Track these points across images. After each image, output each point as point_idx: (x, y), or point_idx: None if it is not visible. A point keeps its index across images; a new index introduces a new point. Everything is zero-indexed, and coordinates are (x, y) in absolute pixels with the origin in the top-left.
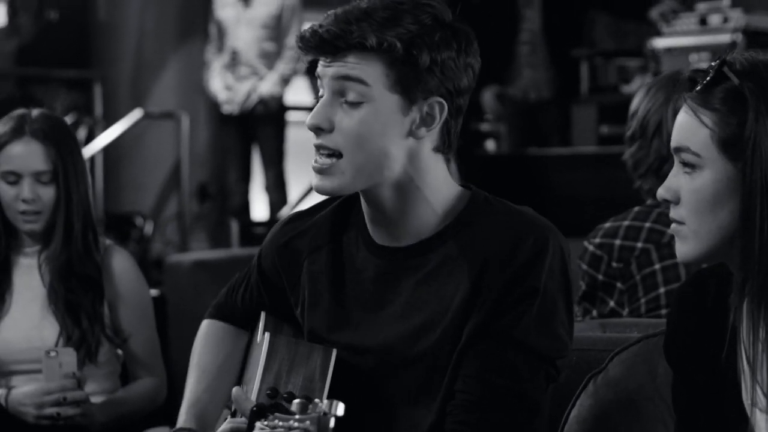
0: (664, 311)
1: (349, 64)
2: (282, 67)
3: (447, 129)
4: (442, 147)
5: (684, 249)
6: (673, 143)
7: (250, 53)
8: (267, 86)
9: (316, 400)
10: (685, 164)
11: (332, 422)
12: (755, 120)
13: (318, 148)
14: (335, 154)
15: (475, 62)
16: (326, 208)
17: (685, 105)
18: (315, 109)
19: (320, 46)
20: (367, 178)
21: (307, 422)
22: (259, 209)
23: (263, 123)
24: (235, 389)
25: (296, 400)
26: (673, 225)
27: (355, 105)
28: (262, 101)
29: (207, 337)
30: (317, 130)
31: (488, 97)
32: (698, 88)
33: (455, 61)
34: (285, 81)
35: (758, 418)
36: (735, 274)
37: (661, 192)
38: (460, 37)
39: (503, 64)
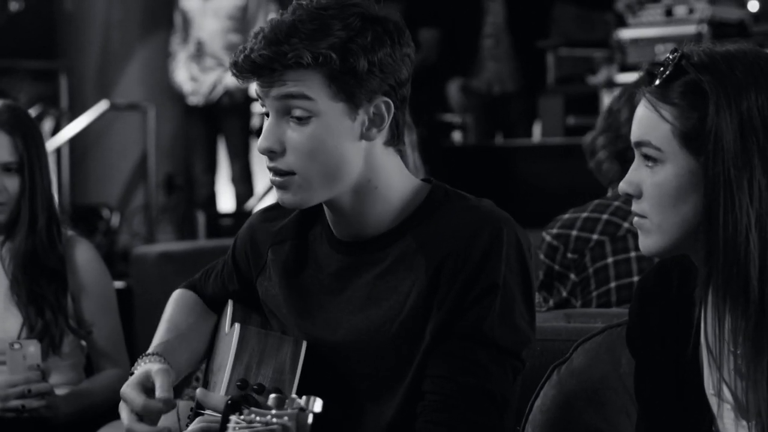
0: (614, 308)
1: (288, 83)
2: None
3: (395, 122)
4: (393, 140)
5: (647, 242)
6: (634, 137)
7: (215, 44)
8: (232, 78)
9: (293, 395)
10: (647, 158)
11: (310, 418)
12: (716, 113)
13: (272, 170)
14: (289, 173)
15: (410, 50)
16: None
17: (645, 99)
18: (264, 132)
19: (255, 71)
20: (326, 190)
21: (285, 418)
22: (226, 201)
23: (229, 115)
24: (198, 390)
25: (272, 395)
26: (636, 219)
27: (302, 120)
28: (228, 93)
29: (179, 300)
30: (270, 153)
31: (453, 89)
32: (657, 82)
33: (392, 56)
34: None
35: (724, 410)
36: (699, 268)
37: (623, 186)
38: (392, 30)
39: (467, 57)
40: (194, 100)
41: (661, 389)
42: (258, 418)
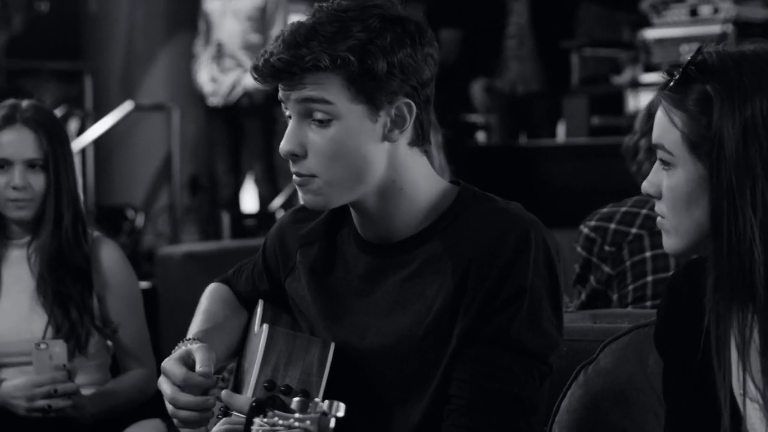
0: (649, 302)
1: (308, 86)
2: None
3: (419, 122)
4: (417, 140)
5: (668, 242)
6: (653, 139)
7: (234, 45)
8: (251, 79)
9: (316, 399)
10: (662, 161)
11: (332, 423)
12: (719, 120)
13: (294, 174)
14: (311, 176)
15: (433, 50)
16: None
17: (662, 102)
18: (286, 135)
19: (275, 75)
20: (350, 192)
21: (308, 422)
22: (249, 201)
23: (249, 116)
24: (223, 392)
25: (296, 399)
26: (658, 218)
27: (324, 123)
28: (247, 94)
29: (214, 293)
30: (292, 156)
31: (476, 90)
32: (671, 86)
33: (413, 57)
34: None
35: (749, 408)
36: (708, 273)
37: (645, 186)
38: (412, 30)
39: (491, 57)
40: (214, 101)
41: (689, 389)
42: (281, 422)
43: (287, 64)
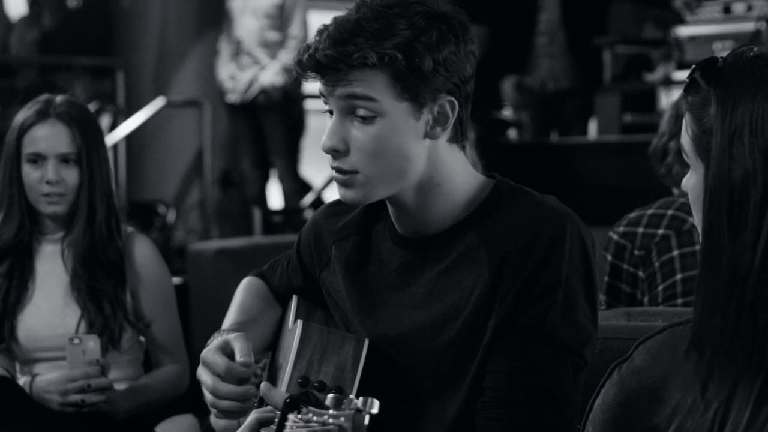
0: (680, 300)
1: (353, 83)
2: (284, 56)
3: (459, 119)
4: (457, 137)
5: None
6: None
7: (251, 42)
8: (268, 76)
9: (351, 396)
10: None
11: (367, 420)
12: (712, 125)
13: (336, 170)
14: (352, 172)
15: (474, 47)
16: None
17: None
18: (328, 131)
19: (319, 70)
20: (390, 187)
21: (342, 419)
22: (275, 198)
23: (267, 113)
24: (263, 384)
25: (330, 395)
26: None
27: (367, 120)
28: (263, 91)
29: (249, 287)
30: (333, 152)
31: (507, 86)
32: (685, 90)
33: (456, 54)
34: (287, 71)
35: None
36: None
37: (683, 184)
38: (456, 27)
39: (522, 54)
40: (232, 98)
41: None
42: (315, 418)
43: (333, 60)
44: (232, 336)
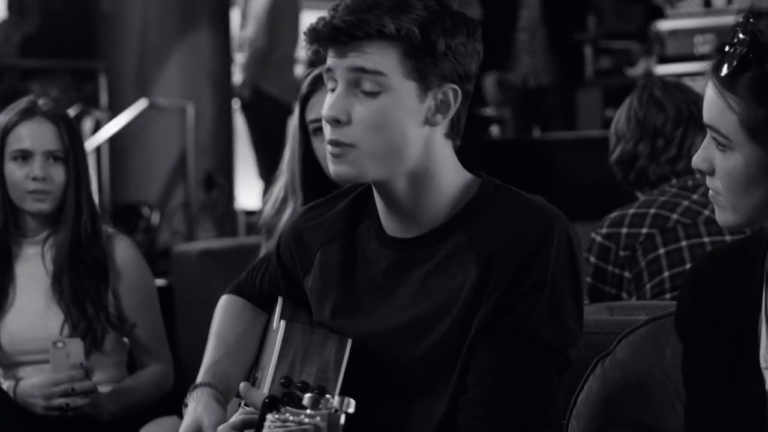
0: (668, 295)
1: (365, 54)
2: (239, 57)
3: (457, 115)
4: (452, 134)
5: (723, 217)
6: (705, 119)
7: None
8: (237, 75)
9: (327, 396)
10: (717, 141)
11: (342, 419)
12: None
13: (333, 143)
14: (350, 145)
15: (481, 49)
16: (345, 198)
17: (712, 83)
18: (331, 101)
19: (334, 37)
20: (384, 167)
21: (317, 418)
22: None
23: (244, 111)
24: (242, 384)
25: (308, 395)
26: (711, 193)
27: (372, 95)
28: (236, 89)
29: (226, 309)
30: (335, 122)
31: (488, 83)
32: (725, 71)
33: (465, 46)
34: (244, 70)
35: None
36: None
37: (697, 162)
38: (468, 22)
39: (503, 50)
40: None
41: (713, 372)
42: (291, 418)
43: (351, 25)
44: (205, 423)
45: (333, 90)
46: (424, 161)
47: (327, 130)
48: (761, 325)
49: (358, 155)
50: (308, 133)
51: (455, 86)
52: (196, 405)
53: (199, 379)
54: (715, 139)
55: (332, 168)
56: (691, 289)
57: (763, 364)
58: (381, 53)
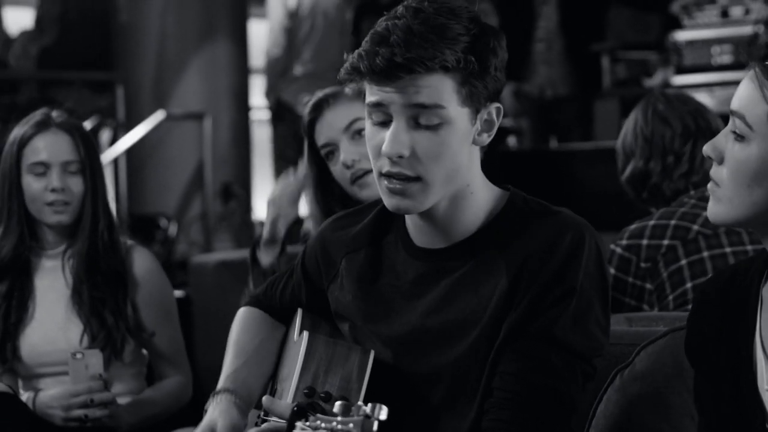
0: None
1: (423, 89)
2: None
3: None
4: (486, 147)
5: (716, 209)
6: (732, 106)
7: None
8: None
9: (359, 402)
10: (735, 132)
11: (375, 426)
12: None
13: (396, 176)
14: (414, 178)
15: (506, 53)
16: (372, 210)
17: (753, 72)
18: (392, 137)
19: (393, 74)
20: (440, 193)
21: (350, 425)
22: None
23: (270, 120)
24: (264, 398)
25: (339, 402)
26: (710, 183)
27: (433, 127)
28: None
29: (244, 321)
30: (398, 158)
31: (505, 94)
32: None
33: (502, 61)
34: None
35: None
36: None
37: (707, 149)
38: (498, 35)
39: (519, 61)
40: None
41: (719, 396)
42: (323, 425)
43: (412, 61)
44: (219, 425)
45: (381, 123)
46: (467, 179)
47: (382, 162)
48: (756, 348)
49: (422, 187)
50: (322, 158)
51: (498, 104)
52: (214, 409)
53: (220, 385)
54: (735, 128)
55: (391, 202)
56: (696, 311)
57: (762, 387)
58: (439, 86)
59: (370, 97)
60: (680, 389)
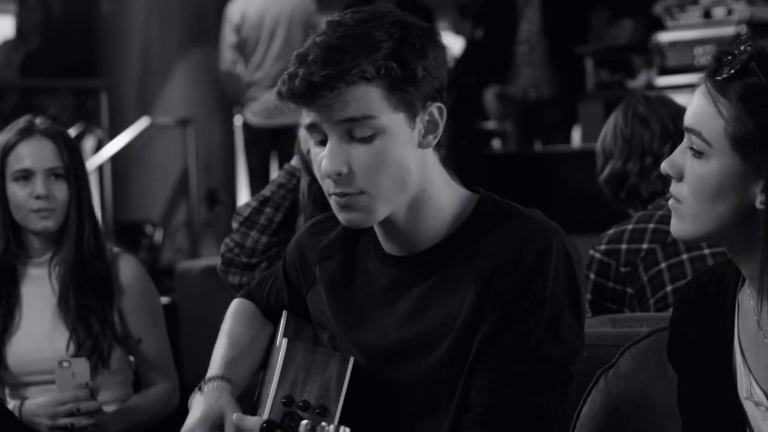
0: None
1: (350, 102)
2: None
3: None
4: (437, 147)
5: (680, 227)
6: (686, 122)
7: None
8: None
9: (323, 423)
10: (693, 148)
11: None
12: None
13: (340, 194)
14: (359, 193)
15: (444, 52)
16: None
17: (704, 87)
18: (329, 155)
19: (314, 93)
20: (392, 203)
21: None
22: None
23: None
24: (235, 416)
25: (304, 422)
26: (672, 201)
27: (367, 140)
28: None
29: (238, 312)
30: (337, 176)
31: (489, 96)
32: (722, 76)
33: (436, 59)
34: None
35: (757, 412)
36: (739, 264)
37: (665, 166)
38: (429, 33)
39: (503, 64)
40: None
41: (700, 401)
42: None
43: (331, 78)
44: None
45: (321, 142)
46: (422, 184)
47: (328, 182)
48: (735, 355)
49: (367, 200)
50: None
51: (438, 103)
52: (218, 396)
53: (215, 372)
54: (692, 145)
55: (342, 217)
56: (677, 315)
57: (743, 395)
58: (365, 97)
59: (304, 119)
60: (664, 390)
